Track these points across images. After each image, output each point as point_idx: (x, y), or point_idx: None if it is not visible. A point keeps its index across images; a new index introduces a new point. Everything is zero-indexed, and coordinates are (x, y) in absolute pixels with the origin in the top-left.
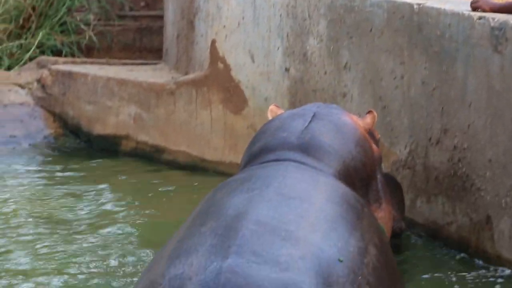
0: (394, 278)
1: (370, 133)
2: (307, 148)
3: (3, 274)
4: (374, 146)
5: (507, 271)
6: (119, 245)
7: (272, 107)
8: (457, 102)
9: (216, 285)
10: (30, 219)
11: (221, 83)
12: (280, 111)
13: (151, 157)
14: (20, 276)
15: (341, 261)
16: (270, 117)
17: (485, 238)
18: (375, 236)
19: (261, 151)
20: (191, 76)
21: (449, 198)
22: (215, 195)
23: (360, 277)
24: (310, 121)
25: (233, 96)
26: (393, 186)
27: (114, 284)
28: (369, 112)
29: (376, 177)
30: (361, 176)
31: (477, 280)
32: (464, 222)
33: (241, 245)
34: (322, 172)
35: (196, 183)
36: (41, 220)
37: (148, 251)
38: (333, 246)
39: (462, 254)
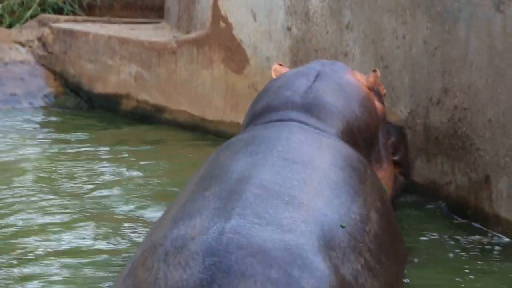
0: (395, 242)
1: (376, 90)
2: (310, 108)
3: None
4: (378, 105)
5: (505, 239)
6: (120, 205)
7: (276, 65)
8: (458, 62)
9: (219, 245)
10: (31, 177)
11: (223, 42)
12: (284, 70)
13: (152, 116)
14: (23, 232)
15: (343, 227)
16: (274, 76)
17: (484, 198)
18: (377, 200)
19: (264, 110)
20: (192, 35)
21: (449, 158)
22: (219, 157)
23: (361, 244)
24: (314, 80)
25: (235, 55)
26: (397, 134)
27: (116, 246)
28: (374, 71)
29: (379, 137)
30: (364, 136)
31: (474, 246)
32: (463, 181)
33: (244, 208)
34: (325, 133)
35: (197, 143)
36: (42, 177)
37: (149, 211)
38: (336, 212)
39: (460, 220)
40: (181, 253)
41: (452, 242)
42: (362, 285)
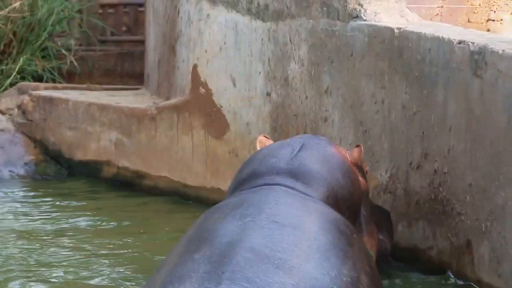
0: None
1: (359, 166)
2: (296, 174)
3: None
4: (361, 179)
5: None
6: (102, 276)
7: (261, 137)
8: (437, 126)
9: None
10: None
11: (203, 108)
12: (269, 142)
13: (133, 183)
14: None
15: None
16: (258, 147)
17: (466, 263)
18: (366, 264)
19: (250, 177)
20: (172, 101)
21: (430, 222)
22: (207, 219)
23: None
24: (299, 150)
25: (215, 121)
26: (382, 215)
27: None
28: (357, 146)
29: (361, 210)
30: (348, 205)
31: None
32: (445, 246)
33: (235, 272)
34: (311, 198)
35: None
36: (21, 247)
37: (131, 278)
38: (327, 275)
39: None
40: None
41: None
42: None
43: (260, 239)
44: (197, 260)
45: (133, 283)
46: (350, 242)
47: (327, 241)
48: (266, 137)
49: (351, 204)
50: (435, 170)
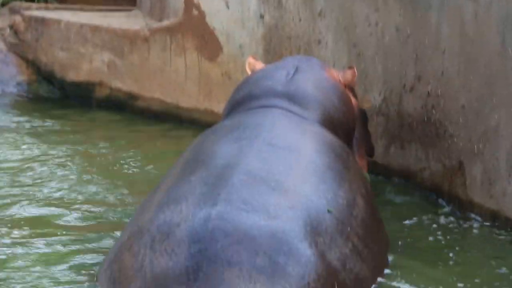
0: (380, 227)
1: (351, 88)
2: (293, 96)
3: None
4: (354, 100)
5: (480, 219)
6: (96, 197)
7: (250, 59)
8: (431, 48)
9: (204, 232)
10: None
11: (196, 30)
12: (258, 63)
13: (125, 104)
14: None
15: (330, 212)
16: (247, 69)
17: (458, 184)
18: (362, 186)
19: (246, 98)
20: (165, 23)
21: (423, 144)
22: (203, 142)
23: (349, 228)
24: (294, 73)
25: (208, 43)
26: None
27: (92, 242)
28: (350, 67)
29: (354, 133)
30: (344, 128)
31: (451, 227)
32: (437, 168)
33: (231, 193)
34: (308, 121)
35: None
36: (11, 170)
37: (125, 199)
38: (322, 197)
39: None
40: (167, 239)
41: (429, 227)
42: (350, 270)
43: (257, 162)
44: (193, 182)
45: (127, 204)
46: (346, 164)
47: (324, 164)
48: (255, 58)
49: (346, 127)
50: (428, 93)
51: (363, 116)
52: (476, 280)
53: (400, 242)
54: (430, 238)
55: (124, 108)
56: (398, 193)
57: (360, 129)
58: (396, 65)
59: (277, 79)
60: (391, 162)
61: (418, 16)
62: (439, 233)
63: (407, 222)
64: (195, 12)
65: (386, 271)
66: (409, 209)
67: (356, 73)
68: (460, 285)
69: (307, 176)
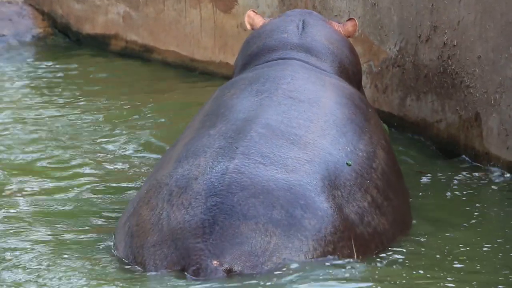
0: (400, 180)
1: None
2: (309, 48)
3: None
4: None
5: (497, 171)
6: (115, 147)
7: (249, 12)
8: None
9: (221, 185)
10: (17, 121)
11: None
12: (257, 17)
13: (141, 56)
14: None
15: (349, 165)
16: (247, 23)
17: (474, 135)
18: (382, 137)
19: (262, 51)
20: None
21: (439, 96)
22: (223, 95)
23: (368, 181)
24: (303, 27)
25: None
26: None
27: (112, 194)
28: (350, 19)
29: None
30: (357, 79)
31: (469, 180)
32: (453, 119)
33: (249, 147)
34: (326, 72)
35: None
36: (30, 121)
37: (143, 149)
38: (342, 151)
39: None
40: (184, 193)
41: (447, 181)
42: (368, 223)
43: (276, 115)
44: (213, 135)
45: (145, 154)
46: (367, 116)
47: (344, 116)
48: (255, 12)
49: (358, 78)
50: (444, 43)
51: None
52: (499, 240)
53: (418, 196)
54: (448, 193)
55: (140, 60)
56: (414, 145)
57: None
58: (412, 16)
59: (290, 32)
60: (406, 113)
61: None
62: (456, 187)
63: (424, 175)
64: None
65: (407, 228)
66: (425, 161)
67: (357, 25)
68: (480, 243)
69: (327, 129)
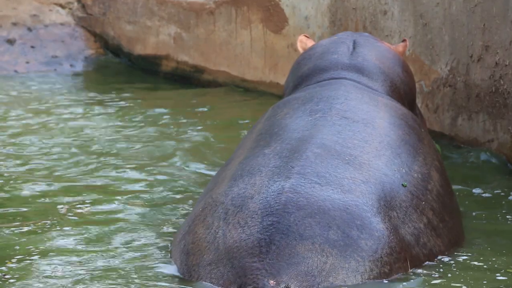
0: (453, 202)
1: None
2: (360, 68)
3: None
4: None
5: None
6: (167, 164)
7: (301, 37)
8: (498, 18)
9: (278, 204)
10: (73, 142)
11: (261, 2)
12: (310, 41)
13: (192, 77)
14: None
15: (405, 186)
16: (299, 47)
17: None
18: (435, 158)
19: (313, 72)
20: None
21: (491, 116)
22: (276, 114)
23: (423, 203)
24: (354, 47)
25: (273, 15)
26: None
27: (165, 214)
28: (403, 40)
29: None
30: (409, 99)
31: None
32: (506, 139)
33: (305, 167)
34: (379, 92)
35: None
36: (83, 142)
37: (198, 166)
38: (397, 172)
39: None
40: (240, 212)
41: (501, 201)
42: (423, 244)
43: (331, 135)
44: (267, 155)
45: (197, 170)
46: (420, 137)
47: (398, 137)
48: (307, 37)
49: (411, 98)
50: (496, 63)
51: None
52: None
53: (472, 217)
54: (504, 211)
55: (191, 81)
56: (467, 164)
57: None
58: (463, 35)
59: (341, 52)
60: (458, 133)
61: None
62: (509, 204)
63: (478, 195)
64: None
65: (461, 246)
66: (479, 181)
67: (408, 45)
68: None
69: (382, 150)
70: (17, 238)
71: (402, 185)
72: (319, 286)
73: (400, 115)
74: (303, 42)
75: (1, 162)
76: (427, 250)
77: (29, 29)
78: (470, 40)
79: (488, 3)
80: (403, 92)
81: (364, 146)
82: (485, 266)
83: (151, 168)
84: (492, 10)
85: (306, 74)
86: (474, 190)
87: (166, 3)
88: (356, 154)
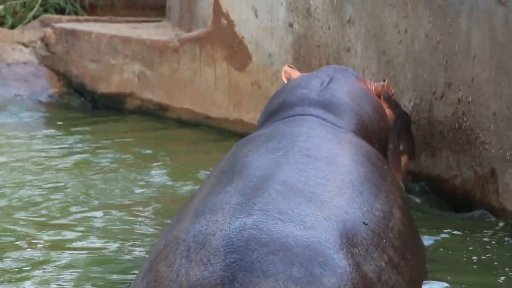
0: (416, 239)
1: (385, 95)
2: (327, 105)
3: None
4: (388, 111)
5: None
6: (130, 206)
7: (286, 67)
8: (461, 55)
9: (240, 241)
10: (34, 181)
11: (225, 40)
12: (294, 72)
13: (156, 115)
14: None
15: (366, 224)
16: (284, 78)
17: (490, 191)
18: (398, 196)
19: (280, 107)
20: (194, 33)
21: (454, 152)
22: (239, 151)
23: (385, 240)
24: (328, 82)
25: (237, 52)
26: (403, 122)
27: (126, 251)
28: (383, 80)
29: (389, 143)
30: (378, 138)
31: (486, 238)
32: (469, 175)
33: (267, 203)
34: (343, 130)
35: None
36: (44, 181)
37: (158, 209)
38: (358, 210)
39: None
40: (202, 249)
41: (463, 238)
42: (385, 282)
43: (293, 173)
44: (230, 192)
45: (160, 214)
46: (383, 174)
47: (360, 175)
48: (291, 67)
49: (380, 137)
50: (459, 99)
51: (406, 118)
52: None
53: (435, 254)
54: (469, 248)
55: (155, 118)
56: (429, 201)
57: (394, 139)
58: (426, 72)
59: (312, 88)
60: (422, 169)
61: (447, 22)
62: (474, 243)
63: (441, 232)
64: (224, 21)
65: (423, 284)
66: (442, 218)
67: (385, 86)
68: None
69: (343, 188)
70: None
71: (364, 223)
72: None
73: (363, 152)
74: (287, 73)
75: None
76: (389, 287)
77: None
78: (432, 77)
79: (450, 40)
80: (371, 131)
81: (326, 184)
82: None
83: (108, 205)
84: (455, 47)
85: (274, 110)
86: (436, 231)
87: (130, 41)
88: (318, 192)
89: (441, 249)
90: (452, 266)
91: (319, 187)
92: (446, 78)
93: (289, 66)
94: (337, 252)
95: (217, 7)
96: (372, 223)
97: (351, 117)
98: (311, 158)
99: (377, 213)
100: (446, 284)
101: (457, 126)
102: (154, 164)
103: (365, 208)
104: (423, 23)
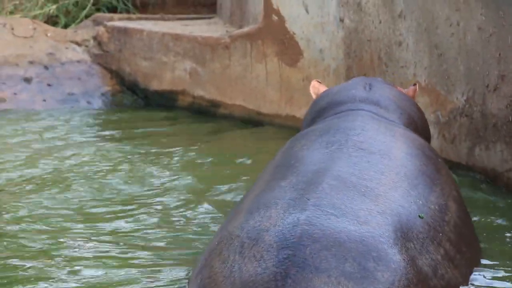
0: (472, 232)
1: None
2: (378, 101)
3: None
4: None
5: None
6: (183, 201)
7: (314, 82)
8: None
9: (293, 237)
10: (88, 180)
11: (276, 36)
12: (322, 86)
13: (208, 112)
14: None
15: (422, 218)
16: (312, 93)
17: None
18: (453, 189)
19: (330, 105)
20: (245, 29)
21: (508, 145)
22: (293, 147)
23: (441, 234)
24: (370, 88)
25: (288, 48)
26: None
27: (182, 237)
28: (414, 84)
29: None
30: (425, 136)
31: None
32: None
33: (320, 198)
34: (395, 123)
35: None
36: (99, 178)
37: (212, 205)
38: (413, 203)
39: None
40: (256, 245)
41: None
42: (441, 276)
43: (347, 167)
44: (284, 187)
45: (216, 208)
46: (437, 167)
47: (415, 168)
48: (319, 82)
49: (426, 135)
50: None
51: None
52: None
53: (490, 246)
54: None
55: (207, 115)
56: (485, 195)
57: None
58: (479, 65)
59: (358, 88)
60: (475, 163)
61: (500, 14)
62: None
63: (497, 225)
64: (274, 17)
65: (479, 277)
66: (497, 212)
67: (417, 90)
68: None
69: (398, 181)
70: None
71: (419, 216)
72: None
73: (417, 145)
74: (316, 88)
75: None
76: (445, 281)
77: (46, 67)
78: (485, 69)
79: (503, 33)
80: (420, 127)
81: (381, 178)
82: None
83: (152, 203)
84: (508, 40)
85: (324, 108)
86: (492, 224)
87: (181, 38)
88: (372, 185)
89: (497, 240)
90: (505, 260)
91: (373, 181)
92: (500, 70)
93: (317, 81)
94: (391, 247)
95: (267, 3)
96: (427, 216)
97: (401, 113)
98: (365, 152)
99: (432, 206)
100: (500, 272)
101: (510, 119)
102: (208, 156)
103: (420, 201)
104: (475, 15)
